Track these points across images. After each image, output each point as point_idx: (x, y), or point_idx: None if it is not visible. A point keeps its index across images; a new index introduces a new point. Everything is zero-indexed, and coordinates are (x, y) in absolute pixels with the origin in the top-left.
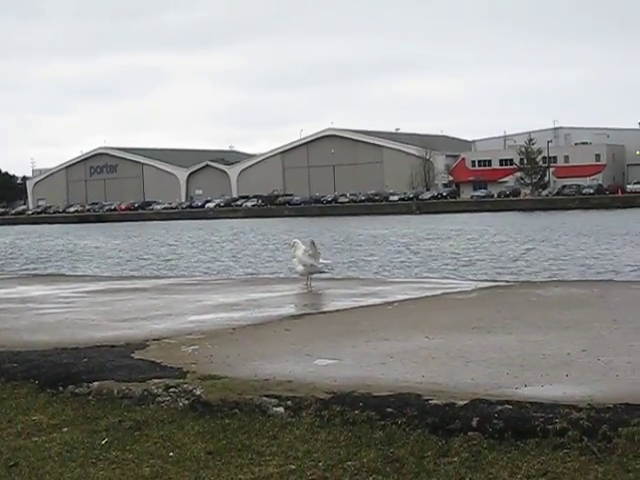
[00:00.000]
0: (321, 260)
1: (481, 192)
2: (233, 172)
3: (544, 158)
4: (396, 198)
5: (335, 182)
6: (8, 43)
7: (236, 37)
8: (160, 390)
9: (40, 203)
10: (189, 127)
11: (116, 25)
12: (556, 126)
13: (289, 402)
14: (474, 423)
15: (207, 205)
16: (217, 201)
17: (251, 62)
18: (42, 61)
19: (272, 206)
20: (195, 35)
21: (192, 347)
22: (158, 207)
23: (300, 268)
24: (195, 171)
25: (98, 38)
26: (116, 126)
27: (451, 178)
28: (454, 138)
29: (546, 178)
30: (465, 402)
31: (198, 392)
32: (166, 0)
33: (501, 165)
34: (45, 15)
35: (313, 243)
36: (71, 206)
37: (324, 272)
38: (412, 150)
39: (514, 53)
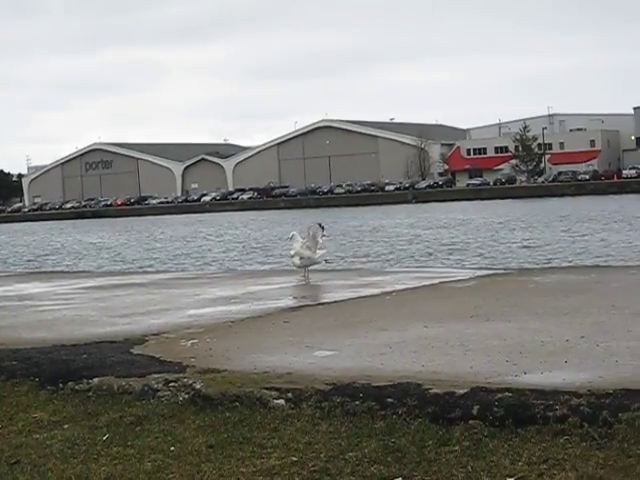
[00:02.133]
0: (318, 251)
1: (477, 180)
2: (228, 165)
3: (539, 145)
4: (392, 188)
5: (331, 173)
6: (3, 40)
7: (229, 30)
8: (160, 385)
9: (36, 200)
10: (184, 121)
11: (110, 21)
12: (551, 113)
13: (289, 394)
14: (474, 411)
15: (203, 199)
16: (213, 194)
17: (245, 54)
18: (37, 57)
19: (268, 198)
20: (189, 29)
21: (191, 341)
22: (154, 202)
23: (297, 260)
24: (190, 165)
25: (92, 34)
26: (111, 122)
27: (447, 167)
28: (449, 127)
29: (541, 165)
30: (465, 390)
31: (198, 386)
32: None
33: (496, 153)
34: (40, 11)
35: (321, 227)
36: (67, 202)
37: (319, 263)
38: (407, 140)
39: (507, 41)
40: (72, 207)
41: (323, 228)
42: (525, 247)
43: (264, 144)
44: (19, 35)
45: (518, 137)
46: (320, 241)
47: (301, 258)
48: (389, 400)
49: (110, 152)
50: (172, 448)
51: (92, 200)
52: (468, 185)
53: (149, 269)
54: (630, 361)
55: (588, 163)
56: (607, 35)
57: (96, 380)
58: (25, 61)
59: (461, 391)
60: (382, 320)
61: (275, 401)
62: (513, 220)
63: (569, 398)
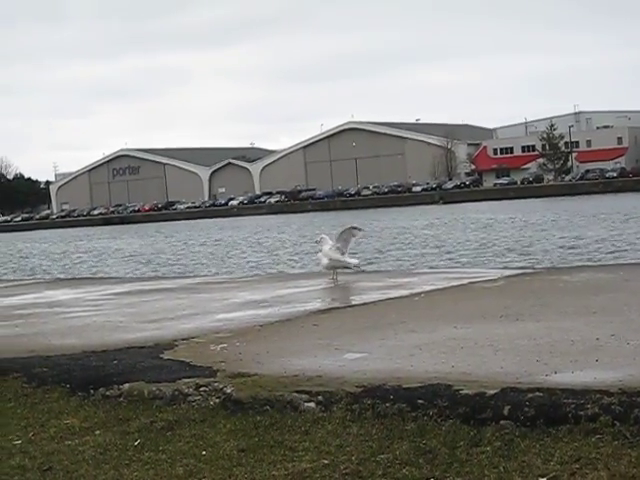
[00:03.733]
0: (350, 259)
1: (504, 180)
2: (255, 169)
3: (566, 143)
4: (419, 189)
5: (357, 175)
6: (28, 47)
7: (254, 33)
8: (191, 389)
9: (64, 207)
10: (210, 125)
11: (134, 26)
12: (577, 111)
13: (320, 397)
14: (505, 412)
15: (230, 203)
16: (240, 198)
17: (269, 58)
18: (62, 64)
19: (295, 201)
20: (213, 33)
21: (221, 345)
22: (181, 207)
23: (325, 262)
24: (217, 169)
25: (116, 40)
26: (137, 127)
27: (473, 167)
28: (475, 126)
29: (569, 163)
30: (495, 391)
31: (229, 390)
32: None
33: (523, 152)
34: (64, 18)
35: (357, 229)
36: (95, 209)
37: (349, 268)
38: (433, 140)
39: (533, 39)
40: (100, 213)
41: (360, 230)
42: (560, 247)
43: (290, 147)
44: (43, 41)
45: (545, 136)
46: (352, 244)
47: (329, 259)
48: (420, 401)
49: (137, 158)
50: (203, 452)
51: (120, 206)
52: (495, 185)
53: (178, 274)
54: None
55: (615, 160)
56: (633, 32)
57: (127, 386)
58: (50, 67)
59: (491, 391)
60: (411, 321)
61: (305, 404)
62: (542, 219)
63: (600, 397)
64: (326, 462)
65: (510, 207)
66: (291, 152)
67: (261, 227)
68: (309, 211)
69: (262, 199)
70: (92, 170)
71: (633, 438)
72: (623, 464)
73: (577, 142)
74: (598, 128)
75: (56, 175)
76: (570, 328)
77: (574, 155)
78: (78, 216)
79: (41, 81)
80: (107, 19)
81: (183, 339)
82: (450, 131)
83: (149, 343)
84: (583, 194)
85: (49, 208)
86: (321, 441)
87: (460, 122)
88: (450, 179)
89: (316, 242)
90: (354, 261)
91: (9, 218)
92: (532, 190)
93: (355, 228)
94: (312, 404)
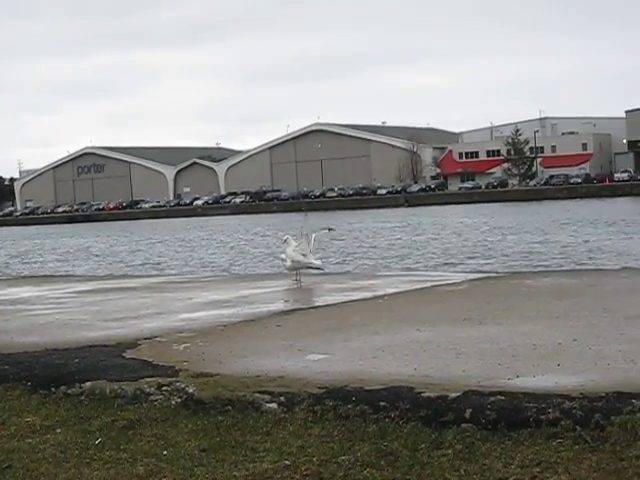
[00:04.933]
0: (312, 260)
1: (469, 184)
2: (221, 169)
3: (531, 148)
4: (384, 192)
5: (323, 177)
6: None
7: (222, 33)
8: (152, 389)
9: (28, 204)
10: (176, 125)
11: (102, 23)
12: (542, 116)
13: (282, 398)
14: (467, 415)
15: (195, 202)
16: (205, 198)
17: (237, 58)
18: (29, 61)
19: (260, 202)
20: (180, 32)
21: (183, 345)
22: (146, 206)
23: (289, 263)
24: (182, 169)
25: (85, 37)
26: (104, 125)
27: (439, 170)
28: (441, 130)
29: (533, 168)
30: (457, 394)
31: (191, 390)
32: None
33: (488, 156)
34: (32, 15)
35: (331, 229)
36: (59, 206)
37: (312, 268)
38: (399, 143)
39: (499, 44)
40: (64, 211)
41: (332, 230)
42: (524, 251)
43: (256, 148)
44: (11, 37)
45: (510, 141)
46: (316, 245)
47: (292, 260)
48: (381, 404)
49: (102, 156)
50: (165, 452)
51: (84, 204)
52: (460, 189)
53: (141, 273)
54: (622, 364)
55: (580, 166)
56: (599, 38)
57: (88, 384)
58: (17, 64)
59: (454, 394)
60: (374, 323)
61: (267, 405)
62: (504, 224)
63: (561, 401)
64: (287, 463)
65: (475, 211)
66: (257, 153)
67: (225, 227)
68: (274, 212)
69: (227, 199)
70: (57, 167)
71: (594, 442)
72: (584, 468)
73: (542, 147)
74: (563, 134)
75: (20, 172)
76: (532, 332)
77: (539, 160)
78: (42, 213)
79: (8, 76)
80: (76, 16)
81: (146, 338)
82: (416, 134)
83: (112, 342)
84: (548, 199)
85: (13, 205)
86: (282, 442)
87: (426, 125)
88: (415, 182)
89: (282, 243)
90: (317, 262)
91: None
92: (497, 194)
93: (330, 229)
94: (274, 405)
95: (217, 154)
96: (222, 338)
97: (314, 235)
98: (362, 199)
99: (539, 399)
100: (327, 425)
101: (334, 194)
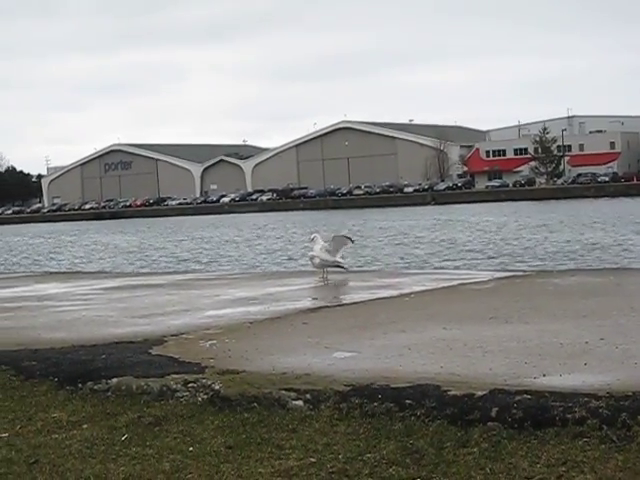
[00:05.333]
0: (338, 258)
1: (496, 182)
2: (247, 166)
3: (559, 147)
4: (411, 190)
5: (350, 174)
6: (23, 41)
7: (248, 30)
8: (179, 385)
9: (55, 201)
10: (203, 122)
11: (130, 21)
12: (570, 115)
13: (308, 395)
14: (493, 413)
15: (222, 200)
16: (232, 196)
17: (264, 56)
18: (57, 59)
19: (287, 199)
20: (208, 30)
21: (210, 342)
22: (173, 203)
23: (316, 261)
24: (209, 166)
25: (112, 35)
26: (131, 122)
27: (466, 168)
28: (468, 128)
29: (561, 167)
30: (484, 392)
31: (217, 387)
32: None
33: (515, 155)
34: (60, 13)
35: (346, 237)
36: (86, 203)
37: (340, 267)
38: (426, 141)
39: (527, 42)
40: (91, 208)
41: (352, 241)
42: (544, 250)
43: (283, 145)
44: (39, 35)
45: (537, 139)
46: (342, 253)
47: (320, 259)
48: (408, 401)
49: (129, 153)
50: (191, 449)
51: (111, 201)
52: (487, 187)
53: (168, 269)
54: None
55: (608, 165)
56: (626, 36)
57: (115, 380)
58: (45, 62)
59: (480, 393)
60: (401, 322)
61: (293, 402)
62: (531, 222)
63: (588, 400)
64: (313, 460)
65: (502, 209)
66: (284, 150)
67: (253, 225)
68: (300, 209)
69: (254, 197)
70: (84, 164)
71: (620, 442)
72: (610, 468)
73: (570, 146)
74: (591, 132)
75: (48, 169)
76: (559, 331)
77: (566, 159)
78: (69, 210)
79: (36, 75)
80: (103, 14)
81: (172, 335)
82: (443, 132)
83: (138, 338)
84: (575, 198)
85: (40, 202)
86: (308, 439)
87: (453, 123)
88: (442, 180)
89: (310, 240)
90: (343, 262)
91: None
92: (524, 193)
93: (347, 238)
94: (300, 402)
95: (244, 151)
96: (248, 335)
97: (344, 245)
98: (389, 197)
99: (565, 398)
100: (353, 423)
101: (361, 192)
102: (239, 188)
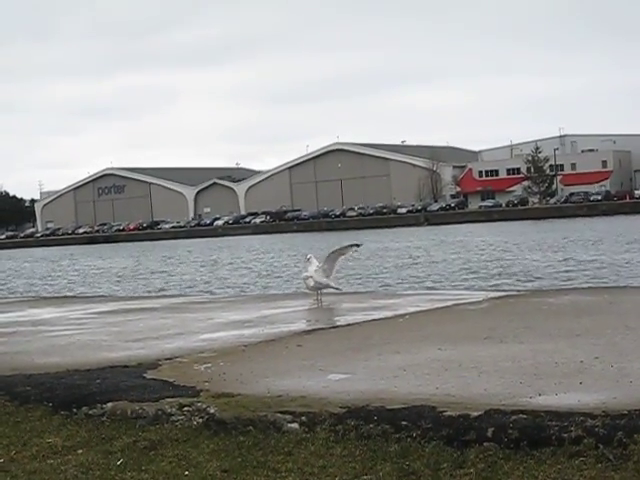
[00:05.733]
0: (331, 282)
1: (489, 202)
2: (241, 189)
3: (551, 166)
4: (404, 210)
5: (343, 196)
6: (16, 65)
7: (240, 54)
8: (174, 409)
9: (49, 225)
10: (196, 145)
11: (124, 45)
12: (562, 134)
13: (303, 418)
14: (489, 433)
15: (215, 223)
16: (225, 218)
17: (256, 78)
18: (49, 83)
19: (280, 222)
20: (199, 53)
21: (205, 365)
22: (166, 226)
23: (311, 283)
24: (203, 189)
25: (104, 58)
26: (124, 146)
27: (459, 189)
28: (460, 149)
29: (553, 186)
30: (479, 413)
31: (212, 410)
32: (170, 19)
33: (508, 174)
34: (51, 37)
35: (349, 246)
36: (80, 227)
37: (332, 288)
38: (419, 162)
39: (517, 62)
40: (85, 232)
41: (358, 245)
42: (537, 269)
43: (276, 168)
44: (32, 59)
45: (530, 158)
46: (339, 266)
47: (314, 281)
48: (403, 423)
49: (122, 177)
50: (186, 473)
51: (104, 225)
52: (480, 207)
53: (162, 293)
54: None
55: (600, 184)
56: (618, 55)
57: (110, 405)
58: (38, 85)
59: (475, 413)
60: (395, 343)
61: (289, 425)
62: (525, 242)
63: (584, 419)
64: None
65: (495, 229)
66: (277, 172)
67: (247, 247)
68: (294, 232)
69: (247, 219)
70: (77, 188)
71: (616, 461)
72: None
73: (562, 165)
74: (583, 151)
75: (41, 193)
76: (554, 350)
77: (559, 178)
78: (63, 234)
79: (28, 99)
80: (97, 38)
81: (167, 359)
82: (435, 153)
83: (133, 362)
84: (568, 217)
85: (34, 226)
86: (304, 462)
87: (445, 144)
88: (435, 201)
89: (305, 261)
90: (336, 284)
91: None
92: (517, 212)
93: (350, 246)
94: (295, 425)
95: (237, 174)
96: (243, 358)
97: (341, 257)
98: (382, 218)
99: (561, 417)
100: (349, 445)
101: (354, 213)
102: (232, 211)
